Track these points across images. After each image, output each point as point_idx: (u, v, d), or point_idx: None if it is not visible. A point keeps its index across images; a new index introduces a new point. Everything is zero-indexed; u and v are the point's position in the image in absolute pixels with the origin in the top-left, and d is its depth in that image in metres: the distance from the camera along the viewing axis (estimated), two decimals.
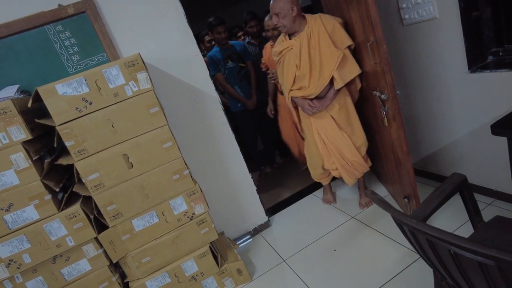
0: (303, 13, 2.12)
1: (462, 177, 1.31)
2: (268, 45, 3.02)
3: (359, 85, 2.27)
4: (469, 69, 1.92)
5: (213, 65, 3.11)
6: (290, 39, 2.17)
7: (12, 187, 1.61)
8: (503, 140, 1.54)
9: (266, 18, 2.78)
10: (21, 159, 1.61)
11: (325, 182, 2.70)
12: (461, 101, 2.06)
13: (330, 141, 2.29)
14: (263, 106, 3.20)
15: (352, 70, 2.09)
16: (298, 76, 2.15)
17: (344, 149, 2.29)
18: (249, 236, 2.67)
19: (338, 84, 2.06)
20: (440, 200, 1.27)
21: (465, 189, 1.32)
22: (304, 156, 2.75)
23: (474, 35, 1.88)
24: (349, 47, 2.09)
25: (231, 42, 3.23)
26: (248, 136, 3.47)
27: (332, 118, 2.24)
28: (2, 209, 1.61)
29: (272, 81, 2.93)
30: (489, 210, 2.05)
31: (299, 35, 2.09)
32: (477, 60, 1.91)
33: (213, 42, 3.28)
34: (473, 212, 1.37)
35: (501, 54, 1.88)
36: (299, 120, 2.46)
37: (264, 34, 3.21)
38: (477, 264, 0.77)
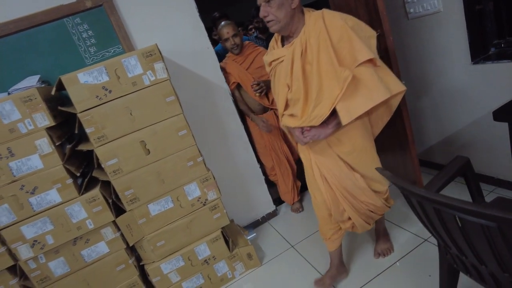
0: (303, 8, 1.52)
1: (465, 159, 1.38)
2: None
3: (392, 108, 1.64)
4: (472, 60, 2.00)
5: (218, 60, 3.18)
6: (283, 45, 1.57)
7: (37, 171, 1.70)
8: (505, 129, 1.62)
9: (220, 27, 2.44)
10: (45, 144, 1.69)
11: (332, 245, 1.88)
12: (464, 91, 2.14)
13: (338, 181, 1.67)
14: None
15: (369, 98, 1.37)
16: (290, 99, 1.56)
17: (357, 192, 1.69)
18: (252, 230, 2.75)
19: (344, 119, 1.38)
20: (444, 181, 1.35)
21: (468, 171, 1.39)
22: (292, 194, 2.72)
23: (477, 28, 1.96)
24: (371, 61, 1.41)
25: None
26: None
27: (340, 158, 1.63)
28: (28, 192, 1.69)
29: (257, 95, 2.49)
30: (490, 197, 2.13)
31: (293, 41, 1.48)
32: (479, 52, 1.99)
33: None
34: (476, 194, 1.45)
35: (503, 46, 1.95)
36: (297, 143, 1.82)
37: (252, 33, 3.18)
38: (480, 228, 0.85)
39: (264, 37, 3.46)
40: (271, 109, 2.59)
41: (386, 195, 1.80)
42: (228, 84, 2.48)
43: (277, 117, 2.38)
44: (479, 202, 1.45)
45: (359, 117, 1.46)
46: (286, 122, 1.60)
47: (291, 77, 1.49)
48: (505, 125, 1.57)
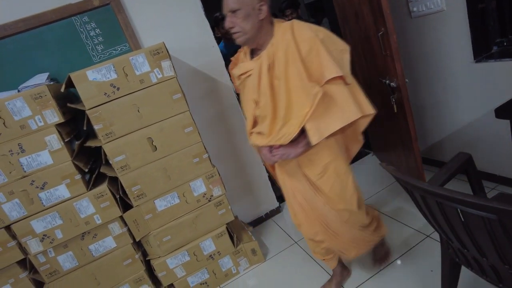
0: (273, 18, 1.41)
1: (467, 156, 1.41)
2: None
3: (360, 128, 1.52)
4: (474, 58, 2.02)
5: None
6: (252, 57, 1.46)
7: (46, 166, 1.73)
8: (507, 127, 1.64)
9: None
10: (54, 140, 1.72)
11: (330, 264, 1.85)
12: (467, 89, 2.16)
13: (308, 204, 1.60)
14: None
15: (340, 117, 1.29)
16: (258, 116, 1.47)
17: (330, 218, 1.60)
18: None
19: (313, 139, 1.28)
20: (446, 177, 1.37)
21: (470, 167, 1.42)
22: None
23: (479, 27, 1.98)
24: (341, 77, 1.30)
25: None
26: None
27: (308, 180, 1.55)
28: (37, 187, 1.73)
29: None
30: (492, 194, 2.15)
31: (261, 54, 1.38)
32: (482, 50, 2.01)
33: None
34: (478, 190, 1.47)
35: (505, 44, 1.97)
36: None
37: None
38: (482, 221, 0.88)
39: None
40: None
41: (374, 226, 1.67)
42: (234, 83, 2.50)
43: None
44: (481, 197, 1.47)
45: (333, 136, 1.39)
46: (254, 140, 1.49)
47: (258, 92, 1.39)
48: (507, 123, 1.60)
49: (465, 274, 1.40)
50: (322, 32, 1.32)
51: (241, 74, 1.46)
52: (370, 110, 1.37)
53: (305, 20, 3.28)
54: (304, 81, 1.27)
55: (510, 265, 0.95)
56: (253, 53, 1.45)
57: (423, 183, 0.95)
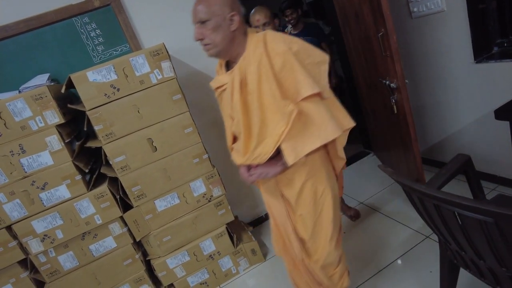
0: (247, 28, 1.30)
1: (466, 157, 1.41)
2: None
3: (339, 144, 1.40)
4: (475, 59, 2.02)
5: None
6: (227, 69, 1.36)
7: (47, 167, 1.74)
8: (507, 128, 1.64)
9: (252, 12, 2.12)
10: (55, 141, 1.73)
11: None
12: (467, 90, 2.16)
13: (283, 228, 1.50)
14: None
15: (317, 136, 1.20)
16: (235, 132, 1.40)
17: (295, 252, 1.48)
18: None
19: (289, 159, 1.20)
20: (445, 178, 1.38)
21: (469, 168, 1.42)
22: None
23: (480, 27, 1.97)
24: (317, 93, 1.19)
25: None
26: None
27: (285, 199, 1.44)
28: (38, 188, 1.74)
29: None
30: (492, 195, 2.15)
31: (234, 68, 1.27)
32: (482, 51, 2.01)
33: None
34: (477, 191, 1.47)
35: (506, 45, 1.97)
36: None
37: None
38: (479, 224, 0.88)
39: None
40: None
41: (335, 274, 1.52)
42: None
43: None
44: (480, 199, 1.47)
45: (313, 154, 1.30)
46: (234, 157, 1.40)
47: (232, 108, 1.30)
48: (507, 124, 1.59)
49: (464, 276, 1.40)
50: (297, 44, 1.21)
51: (217, 88, 1.38)
52: (349, 123, 1.30)
53: (306, 20, 3.29)
54: (277, 99, 1.17)
55: (508, 268, 0.95)
56: (229, 65, 1.35)
57: (420, 186, 0.95)
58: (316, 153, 1.34)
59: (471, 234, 0.95)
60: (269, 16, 2.08)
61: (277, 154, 1.26)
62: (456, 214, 0.92)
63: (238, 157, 1.35)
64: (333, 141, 1.33)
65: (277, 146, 1.20)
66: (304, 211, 1.39)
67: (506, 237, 0.86)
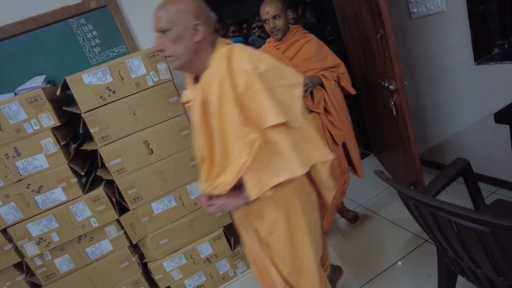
0: (216, 39, 1.16)
1: (465, 162, 1.39)
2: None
3: (322, 175, 1.23)
4: (475, 61, 1.99)
5: None
6: (195, 83, 1.19)
7: (42, 170, 1.73)
8: (507, 130, 1.62)
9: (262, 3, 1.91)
10: (50, 144, 1.72)
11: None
12: (467, 92, 2.14)
13: (259, 260, 1.40)
14: None
15: (283, 169, 1.06)
16: (202, 155, 1.22)
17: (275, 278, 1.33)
18: None
19: (251, 193, 1.05)
20: (444, 182, 1.36)
21: (468, 173, 1.40)
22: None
23: (480, 28, 1.95)
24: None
25: (230, 39, 3.27)
26: None
27: (257, 235, 1.29)
28: (33, 191, 1.73)
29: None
30: (492, 198, 2.13)
31: (198, 85, 1.13)
32: (483, 52, 1.98)
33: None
34: (476, 195, 1.45)
35: (506, 46, 1.94)
36: None
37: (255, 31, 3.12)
38: (475, 233, 0.86)
39: (267, 36, 3.45)
40: (314, 111, 2.00)
41: None
42: None
43: (322, 120, 2.00)
44: (479, 203, 1.45)
45: (284, 186, 1.13)
46: (199, 180, 1.24)
47: (194, 128, 1.19)
48: (506, 126, 1.57)
49: (462, 283, 1.38)
50: (265, 63, 1.05)
51: (186, 103, 1.22)
52: (321, 157, 1.15)
53: (306, 20, 3.26)
54: (238, 125, 1.03)
55: (505, 276, 0.94)
56: (198, 78, 1.16)
57: (416, 193, 0.93)
58: (289, 185, 1.15)
59: (468, 243, 0.93)
60: (281, 8, 1.85)
61: (241, 186, 1.11)
62: (452, 223, 0.90)
63: (200, 183, 1.20)
64: (315, 170, 1.19)
65: (238, 177, 1.06)
66: (279, 247, 1.24)
67: (503, 247, 0.84)
